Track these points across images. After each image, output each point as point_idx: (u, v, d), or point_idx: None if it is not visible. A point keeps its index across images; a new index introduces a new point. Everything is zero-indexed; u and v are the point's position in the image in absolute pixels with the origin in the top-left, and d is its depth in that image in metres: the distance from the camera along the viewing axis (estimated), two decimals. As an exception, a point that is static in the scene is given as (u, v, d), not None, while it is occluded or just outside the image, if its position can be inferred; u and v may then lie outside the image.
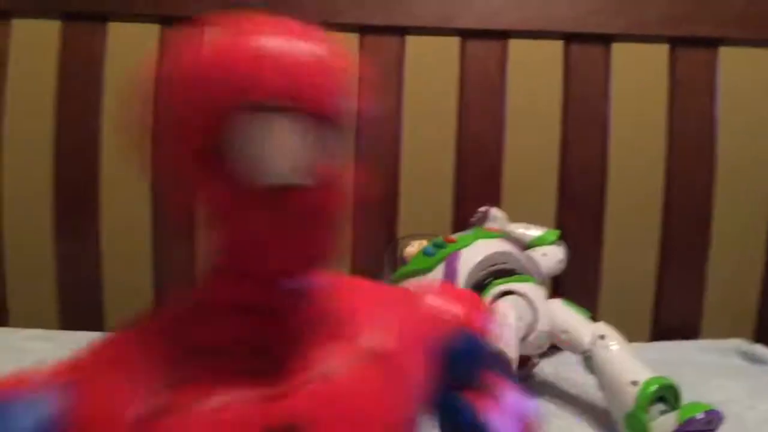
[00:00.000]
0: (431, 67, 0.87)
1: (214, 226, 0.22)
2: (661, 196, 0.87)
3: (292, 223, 0.21)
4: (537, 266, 0.70)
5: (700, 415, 0.49)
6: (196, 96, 0.20)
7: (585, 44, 0.85)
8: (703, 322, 0.87)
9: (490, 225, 0.77)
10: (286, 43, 0.20)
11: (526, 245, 0.75)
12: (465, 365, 0.28)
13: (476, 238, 0.68)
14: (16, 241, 0.86)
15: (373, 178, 0.22)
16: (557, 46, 0.86)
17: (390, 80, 0.85)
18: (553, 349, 0.64)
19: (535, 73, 0.87)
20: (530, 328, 0.59)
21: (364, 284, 0.28)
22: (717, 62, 0.85)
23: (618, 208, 0.87)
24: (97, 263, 0.85)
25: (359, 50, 0.85)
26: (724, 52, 0.85)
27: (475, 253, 0.65)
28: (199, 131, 0.20)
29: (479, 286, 0.63)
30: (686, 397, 0.53)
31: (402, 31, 0.85)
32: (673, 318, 0.87)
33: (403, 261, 0.72)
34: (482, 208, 0.76)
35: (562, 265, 0.76)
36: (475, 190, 0.85)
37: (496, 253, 0.66)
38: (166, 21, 0.84)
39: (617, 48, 0.86)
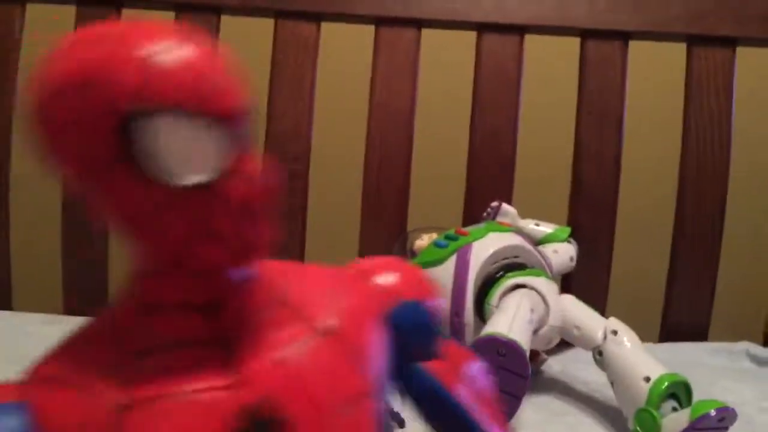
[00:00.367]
0: (446, 61, 0.87)
1: (133, 228, 0.22)
2: (674, 196, 0.86)
3: (215, 217, 0.21)
4: (548, 262, 0.70)
5: (713, 412, 0.48)
6: (86, 108, 0.20)
7: (602, 41, 0.85)
8: (712, 324, 0.86)
9: (501, 220, 0.77)
10: (170, 48, 0.20)
11: (537, 241, 0.75)
12: (416, 335, 0.29)
13: (488, 231, 0.67)
14: (21, 225, 0.86)
15: (277, 169, 0.23)
16: (574, 42, 0.86)
17: (405, 73, 0.85)
18: (562, 345, 0.64)
19: (550, 68, 0.86)
20: (541, 322, 0.59)
21: (310, 268, 0.29)
22: (734, 62, 0.85)
23: (630, 207, 0.86)
24: (101, 247, 0.85)
25: (374, 42, 0.85)
26: (742, 52, 0.84)
27: (487, 246, 0.65)
28: (97, 143, 0.20)
29: (491, 279, 0.63)
30: (696, 399, 0.53)
31: (418, 24, 0.85)
32: (682, 319, 0.86)
33: (413, 253, 0.71)
34: (494, 203, 0.76)
35: (573, 263, 0.76)
36: (487, 185, 0.85)
37: (508, 247, 0.65)
38: (181, 7, 0.84)
39: (634, 45, 0.85)
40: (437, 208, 0.86)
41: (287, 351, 0.23)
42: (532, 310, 0.58)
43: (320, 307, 0.25)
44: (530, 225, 0.77)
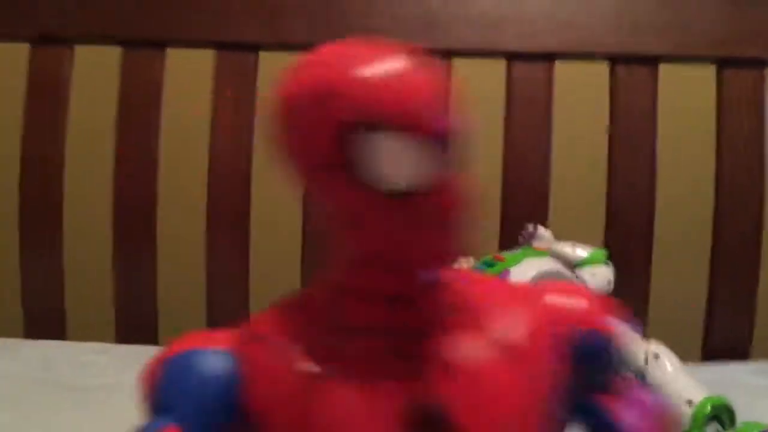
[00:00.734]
0: (477, 90, 0.88)
1: (345, 224, 0.25)
2: (711, 217, 0.86)
3: (417, 224, 0.24)
4: (586, 286, 0.70)
5: (757, 435, 0.48)
6: (315, 118, 0.23)
7: (631, 65, 0.86)
8: (753, 344, 0.86)
9: (536, 244, 0.78)
10: (396, 67, 0.22)
11: (574, 265, 0.75)
12: (596, 367, 0.28)
13: (525, 256, 0.68)
14: (75, 258, 0.90)
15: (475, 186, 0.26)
16: (603, 67, 0.87)
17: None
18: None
19: (581, 94, 0.88)
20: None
21: (491, 280, 0.31)
22: (764, 82, 0.85)
23: (667, 229, 0.87)
24: (152, 278, 0.88)
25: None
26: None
27: (524, 271, 0.66)
28: (322, 149, 0.23)
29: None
30: (739, 420, 0.53)
31: (447, 54, 0.87)
32: (723, 340, 0.86)
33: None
34: (529, 227, 0.77)
35: (611, 286, 0.76)
36: (522, 211, 0.86)
37: (546, 272, 0.66)
38: (222, 46, 0.87)
39: (664, 69, 0.86)
40: (473, 234, 0.87)
41: (467, 357, 0.25)
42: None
43: (501, 320, 0.27)
44: (566, 248, 0.77)
